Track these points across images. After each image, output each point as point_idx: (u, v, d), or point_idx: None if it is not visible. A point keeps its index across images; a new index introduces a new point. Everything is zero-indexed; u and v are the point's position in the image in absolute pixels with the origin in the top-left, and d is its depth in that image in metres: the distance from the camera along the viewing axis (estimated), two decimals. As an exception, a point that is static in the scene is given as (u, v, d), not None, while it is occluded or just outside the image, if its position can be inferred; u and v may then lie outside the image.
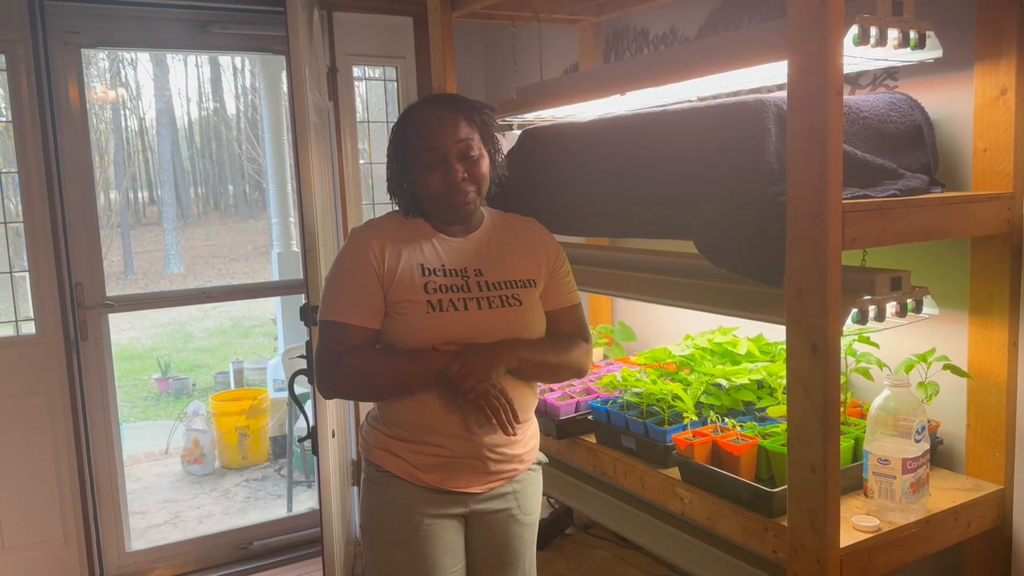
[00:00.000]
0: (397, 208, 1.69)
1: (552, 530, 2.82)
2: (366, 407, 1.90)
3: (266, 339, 9.53)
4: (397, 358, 1.57)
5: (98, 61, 15.27)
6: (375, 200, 3.28)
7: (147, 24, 2.94)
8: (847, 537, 1.42)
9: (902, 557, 1.49)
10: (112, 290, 3.01)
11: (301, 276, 2.36)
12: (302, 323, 2.35)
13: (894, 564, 1.48)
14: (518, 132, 2.18)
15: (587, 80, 2.03)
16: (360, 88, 3.27)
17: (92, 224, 2.90)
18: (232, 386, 6.25)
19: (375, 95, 3.43)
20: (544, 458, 1.76)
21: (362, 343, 1.58)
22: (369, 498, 1.66)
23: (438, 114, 1.58)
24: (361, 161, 3.26)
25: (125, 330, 10.09)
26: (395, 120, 1.68)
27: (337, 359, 1.57)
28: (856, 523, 1.47)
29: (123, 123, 16.97)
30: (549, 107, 2.16)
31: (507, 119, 2.37)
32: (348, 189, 3.07)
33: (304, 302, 2.32)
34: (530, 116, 2.33)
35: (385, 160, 1.67)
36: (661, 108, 1.72)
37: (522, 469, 1.68)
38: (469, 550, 1.68)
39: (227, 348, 9.33)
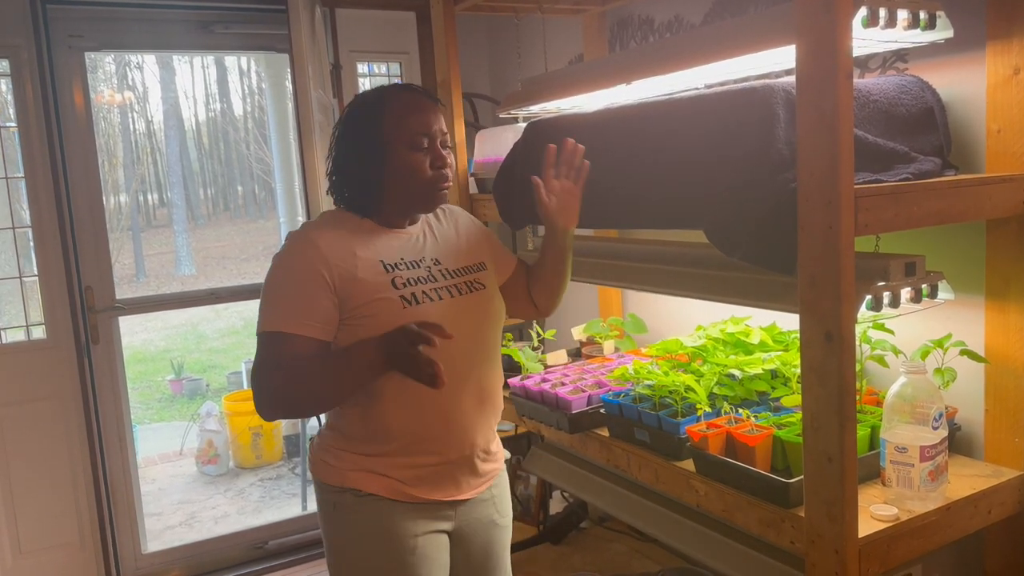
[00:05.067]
0: (334, 205, 1.60)
1: (567, 524, 2.81)
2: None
3: (278, 338, 9.53)
4: (335, 360, 1.46)
5: (105, 65, 15.31)
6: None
7: (150, 26, 2.94)
8: (865, 527, 1.40)
9: (922, 546, 1.46)
10: (124, 293, 3.02)
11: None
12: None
13: (914, 553, 1.46)
14: (523, 125, 2.16)
15: (593, 70, 2.01)
16: (364, 85, 3.26)
17: (100, 227, 2.90)
18: (245, 386, 6.27)
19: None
20: (508, 454, 1.77)
21: (305, 355, 1.44)
22: (347, 527, 1.54)
23: (423, 101, 1.55)
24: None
25: (138, 332, 10.14)
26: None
27: (270, 371, 1.43)
28: (874, 512, 1.45)
29: (131, 126, 17.01)
30: (555, 99, 2.14)
31: (512, 112, 2.35)
32: (355, 186, 3.06)
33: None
34: (535, 108, 2.32)
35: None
36: (668, 96, 1.70)
37: (499, 469, 1.68)
38: (453, 567, 1.63)
39: (239, 348, 9.36)
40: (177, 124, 17.04)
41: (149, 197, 18.98)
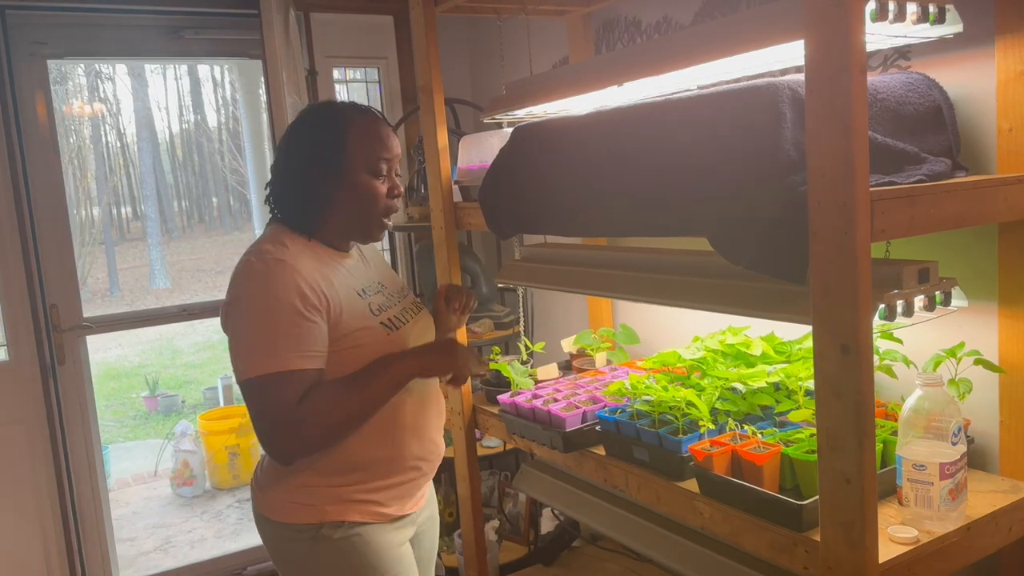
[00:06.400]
0: (277, 221, 1.57)
1: (559, 543, 2.72)
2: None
3: (255, 352, 9.36)
4: (369, 378, 1.46)
5: (76, 76, 15.07)
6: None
7: (116, 32, 2.82)
8: (885, 550, 1.32)
9: (943, 569, 1.38)
10: (98, 307, 2.91)
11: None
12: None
13: (935, 577, 1.38)
14: (509, 130, 2.07)
15: (582, 72, 1.92)
16: (341, 90, 3.16)
17: (66, 242, 2.77)
18: (221, 403, 6.10)
19: (357, 97, 3.31)
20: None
21: (311, 388, 1.42)
22: (330, 558, 1.50)
23: (385, 127, 1.56)
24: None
25: (112, 348, 9.91)
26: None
27: (299, 410, 1.39)
28: (892, 534, 1.37)
29: (104, 138, 16.75)
30: (542, 102, 2.06)
31: (497, 117, 2.26)
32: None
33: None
34: (521, 113, 2.23)
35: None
36: (665, 97, 1.61)
37: None
38: None
39: (215, 363, 9.17)
40: (150, 136, 16.82)
41: (123, 210, 18.71)
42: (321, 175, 1.50)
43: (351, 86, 3.24)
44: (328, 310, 1.44)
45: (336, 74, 3.08)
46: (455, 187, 2.31)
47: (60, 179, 2.76)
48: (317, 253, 1.52)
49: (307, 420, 1.39)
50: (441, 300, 1.79)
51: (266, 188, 1.60)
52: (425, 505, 1.70)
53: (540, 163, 1.87)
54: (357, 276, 1.58)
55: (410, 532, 1.63)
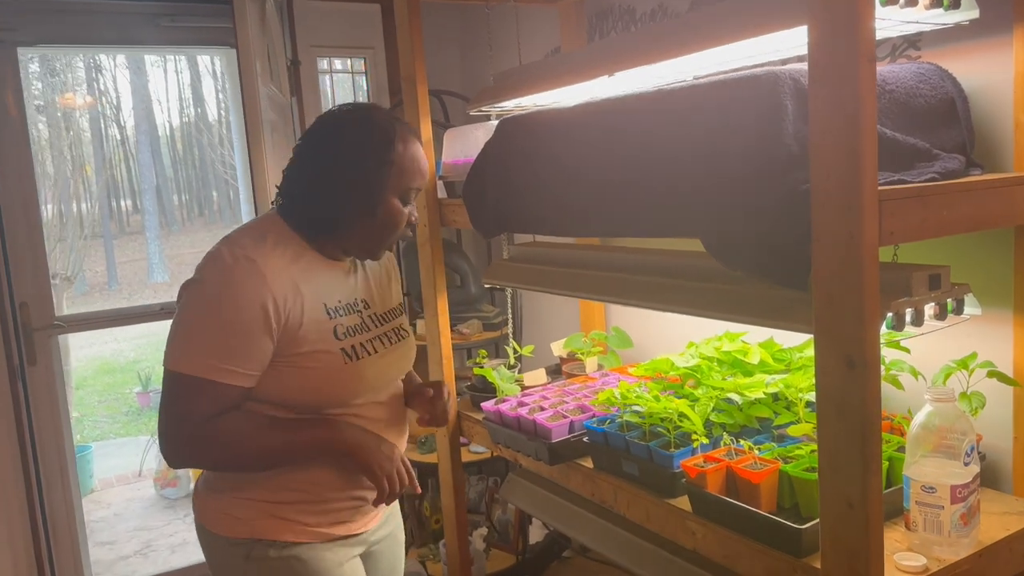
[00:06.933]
0: (275, 213, 1.47)
1: (548, 554, 2.62)
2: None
3: (249, 347, 9.26)
4: (288, 431, 1.39)
5: (75, 69, 14.96)
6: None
7: (89, 19, 2.71)
8: (891, 580, 1.22)
9: (953, 600, 1.28)
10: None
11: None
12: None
13: (944, 608, 1.27)
14: (495, 123, 1.96)
15: (571, 62, 1.82)
16: (326, 81, 3.05)
17: (37, 239, 2.67)
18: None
19: (343, 89, 3.20)
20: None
21: (232, 405, 1.35)
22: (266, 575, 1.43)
23: (424, 156, 1.49)
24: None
25: (108, 342, 9.82)
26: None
27: (205, 426, 1.32)
28: (899, 562, 1.27)
29: (103, 131, 16.65)
30: (530, 93, 1.95)
31: (484, 109, 2.16)
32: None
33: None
34: (509, 104, 2.12)
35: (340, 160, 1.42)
36: (657, 88, 1.50)
37: None
38: None
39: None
40: (149, 129, 16.72)
41: (122, 203, 18.61)
42: (351, 187, 1.41)
43: (337, 77, 3.13)
44: (284, 323, 1.35)
45: (321, 64, 2.97)
46: (439, 182, 2.21)
47: (31, 173, 2.65)
48: (301, 256, 1.42)
49: (208, 440, 1.33)
50: (416, 398, 1.61)
51: (283, 173, 1.50)
52: (381, 524, 1.60)
53: (525, 158, 1.76)
54: (336, 290, 1.46)
55: (356, 551, 1.54)
